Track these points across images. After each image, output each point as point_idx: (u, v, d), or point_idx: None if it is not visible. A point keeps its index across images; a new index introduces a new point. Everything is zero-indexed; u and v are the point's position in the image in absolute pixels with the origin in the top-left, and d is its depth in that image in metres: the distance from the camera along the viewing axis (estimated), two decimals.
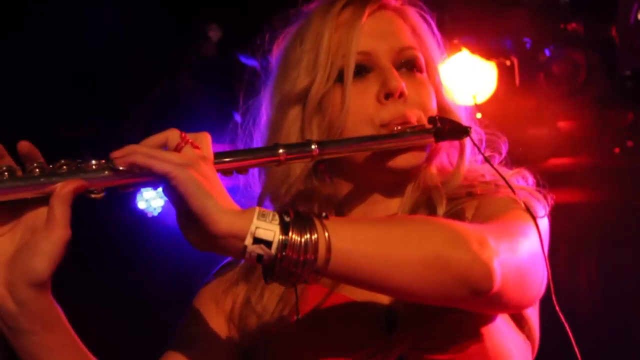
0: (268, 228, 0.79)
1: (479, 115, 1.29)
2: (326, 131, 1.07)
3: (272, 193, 1.09)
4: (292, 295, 0.99)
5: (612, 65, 2.94)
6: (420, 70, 1.09)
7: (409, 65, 1.07)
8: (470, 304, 0.92)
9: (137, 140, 0.84)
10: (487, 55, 2.78)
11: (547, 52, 2.86)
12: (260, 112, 1.14)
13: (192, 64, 2.30)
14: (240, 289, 1.10)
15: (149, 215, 2.72)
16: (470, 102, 2.41)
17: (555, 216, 1.07)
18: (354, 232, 0.86)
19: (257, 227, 0.78)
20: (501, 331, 1.01)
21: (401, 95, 1.02)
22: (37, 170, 0.82)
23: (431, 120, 1.04)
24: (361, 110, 1.05)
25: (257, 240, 0.78)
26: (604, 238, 2.98)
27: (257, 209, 0.80)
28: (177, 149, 0.84)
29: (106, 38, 2.34)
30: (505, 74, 2.80)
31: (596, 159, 3.02)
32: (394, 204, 1.12)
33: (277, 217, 0.80)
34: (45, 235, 0.80)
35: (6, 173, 0.80)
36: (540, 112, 2.88)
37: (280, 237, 0.78)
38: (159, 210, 2.75)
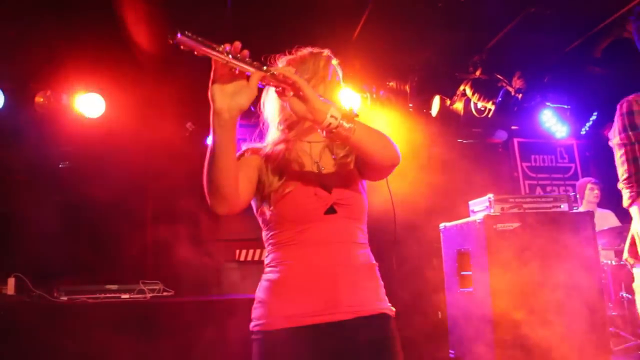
0: (336, 112, 1.39)
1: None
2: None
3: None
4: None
5: None
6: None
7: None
8: (388, 168, 1.58)
9: None
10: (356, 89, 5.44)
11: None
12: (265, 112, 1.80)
13: None
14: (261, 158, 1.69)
15: None
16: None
17: None
18: (363, 127, 1.47)
19: (331, 111, 1.38)
20: (363, 192, 1.70)
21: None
22: (250, 60, 1.32)
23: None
24: None
25: (330, 117, 1.38)
26: None
27: (333, 104, 1.40)
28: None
29: None
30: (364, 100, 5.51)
31: None
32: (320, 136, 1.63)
33: (338, 110, 1.39)
34: (248, 90, 1.36)
35: (239, 55, 1.30)
36: None
37: (340, 120, 1.39)
38: None
